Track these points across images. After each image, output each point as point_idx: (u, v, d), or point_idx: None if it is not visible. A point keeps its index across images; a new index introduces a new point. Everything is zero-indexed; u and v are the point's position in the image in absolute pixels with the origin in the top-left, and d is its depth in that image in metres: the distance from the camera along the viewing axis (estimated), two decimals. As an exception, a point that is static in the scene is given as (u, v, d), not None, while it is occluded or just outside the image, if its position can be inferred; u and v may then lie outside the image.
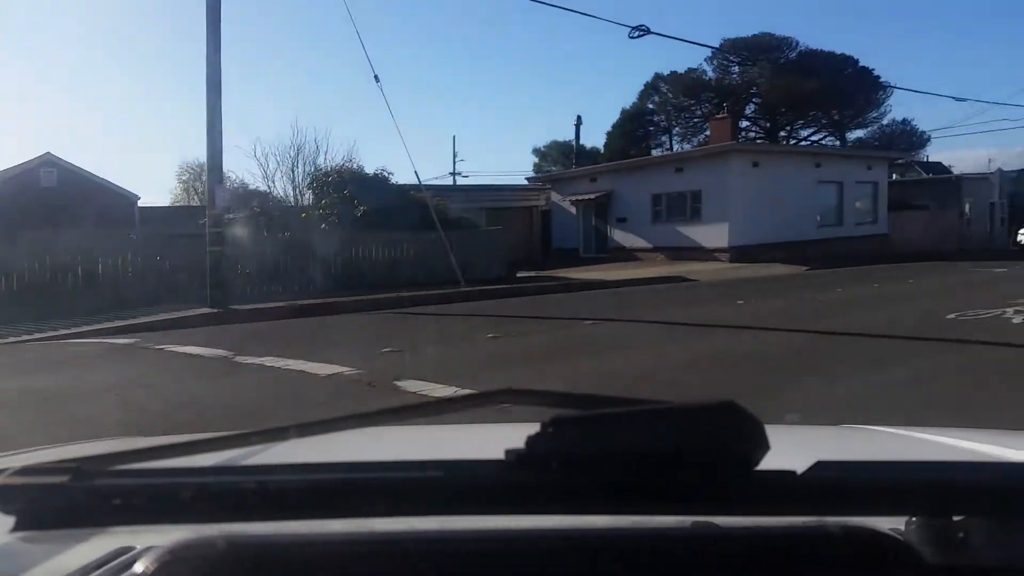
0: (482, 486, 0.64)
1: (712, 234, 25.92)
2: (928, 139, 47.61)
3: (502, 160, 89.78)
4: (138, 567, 0.66)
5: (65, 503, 0.65)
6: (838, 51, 45.81)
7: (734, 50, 47.35)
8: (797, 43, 46.60)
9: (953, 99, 32.02)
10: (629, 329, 10.19)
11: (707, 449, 0.61)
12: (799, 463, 0.63)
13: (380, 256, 18.26)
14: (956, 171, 40.04)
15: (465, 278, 17.54)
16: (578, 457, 0.60)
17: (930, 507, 0.65)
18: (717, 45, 46.67)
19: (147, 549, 0.69)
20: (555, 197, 31.84)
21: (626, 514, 0.64)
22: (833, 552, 0.63)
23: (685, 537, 0.66)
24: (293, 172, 28.44)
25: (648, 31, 20.05)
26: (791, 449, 1.16)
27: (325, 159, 27.31)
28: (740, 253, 25.38)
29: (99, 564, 0.73)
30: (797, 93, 43.94)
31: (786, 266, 24.11)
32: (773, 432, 0.62)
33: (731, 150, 25.98)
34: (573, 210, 30.62)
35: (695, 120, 49.74)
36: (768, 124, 48.92)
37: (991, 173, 33.82)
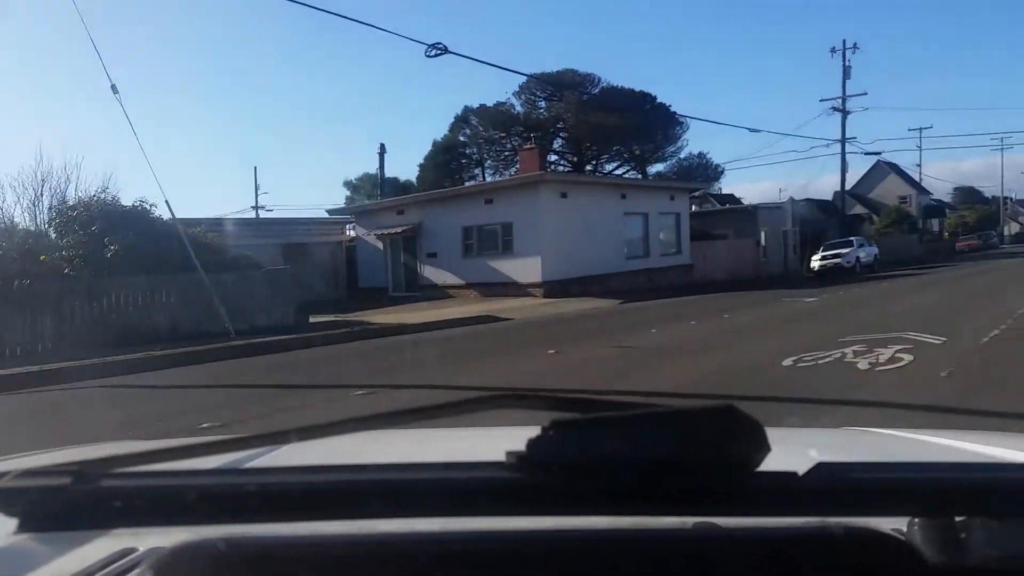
0: (483, 488, 0.64)
1: (525, 268, 24.53)
2: (722, 171, 49.63)
3: (313, 194, 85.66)
4: (140, 569, 0.69)
5: (67, 505, 0.66)
6: (637, 88, 47.11)
7: (540, 85, 47.53)
8: (599, 79, 47.38)
9: (748, 130, 32.83)
10: (411, 401, 8.04)
11: (708, 451, 0.60)
12: (800, 465, 0.63)
13: (133, 304, 15.08)
14: (746, 202, 41.69)
15: (244, 326, 14.80)
16: (579, 460, 0.60)
17: (931, 508, 0.65)
18: (523, 81, 46.74)
19: (149, 551, 0.72)
20: (360, 231, 29.36)
21: (626, 516, 0.64)
22: (835, 553, 0.63)
23: (686, 539, 0.66)
24: (35, 207, 23.91)
25: (446, 50, 18.50)
26: (792, 451, 1.20)
27: (75, 191, 23.13)
28: (553, 288, 24.14)
29: (102, 566, 0.73)
30: (601, 128, 44.42)
31: (599, 300, 23.11)
32: (774, 434, 0.62)
33: (540, 180, 24.75)
34: (380, 245, 28.30)
35: (506, 153, 49.25)
36: (575, 158, 49.20)
37: (784, 202, 35.22)
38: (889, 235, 51.57)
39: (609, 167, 49.26)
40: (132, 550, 0.75)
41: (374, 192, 43.21)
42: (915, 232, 54.23)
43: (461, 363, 10.36)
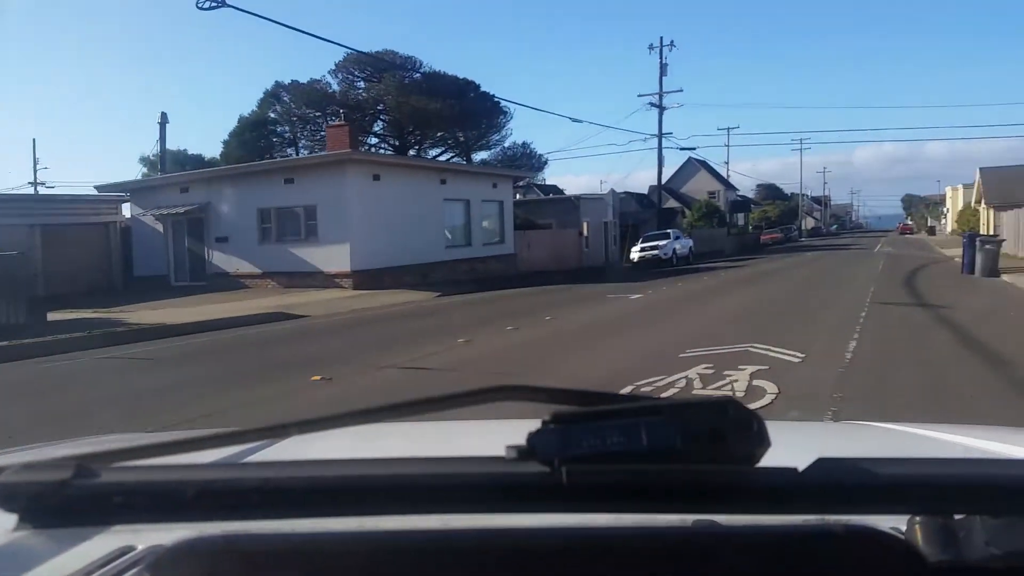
0: (483, 483, 0.63)
1: (332, 256, 21.55)
2: (546, 162, 48.75)
3: (105, 170, 76.80)
4: (140, 566, 0.67)
5: (67, 501, 0.65)
6: (462, 75, 45.13)
7: (358, 64, 44.39)
8: (421, 63, 44.89)
9: (570, 119, 31.47)
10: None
11: (708, 446, 0.59)
12: (800, 460, 0.63)
13: None
14: (569, 194, 40.67)
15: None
16: (579, 454, 0.60)
17: (932, 505, 0.64)
18: (340, 59, 43.50)
19: (148, 548, 0.71)
20: (135, 211, 25.01)
21: (627, 512, 0.63)
22: (834, 551, 0.61)
23: (686, 536, 0.65)
24: None
25: (223, 3, 15.35)
26: (792, 446, 1.17)
27: None
28: (364, 278, 21.37)
29: (101, 564, 0.72)
30: (423, 112, 42.09)
31: (415, 292, 20.65)
32: (774, 429, 0.61)
33: (348, 159, 21.77)
34: (160, 227, 24.20)
35: (322, 133, 45.50)
36: (397, 143, 46.43)
37: (605, 194, 34.31)
38: (700, 228, 52.81)
39: (433, 153, 46.92)
40: (131, 548, 0.74)
41: (176, 168, 38.03)
42: (724, 226, 56.00)
43: (202, 392, 7.46)
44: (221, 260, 23.47)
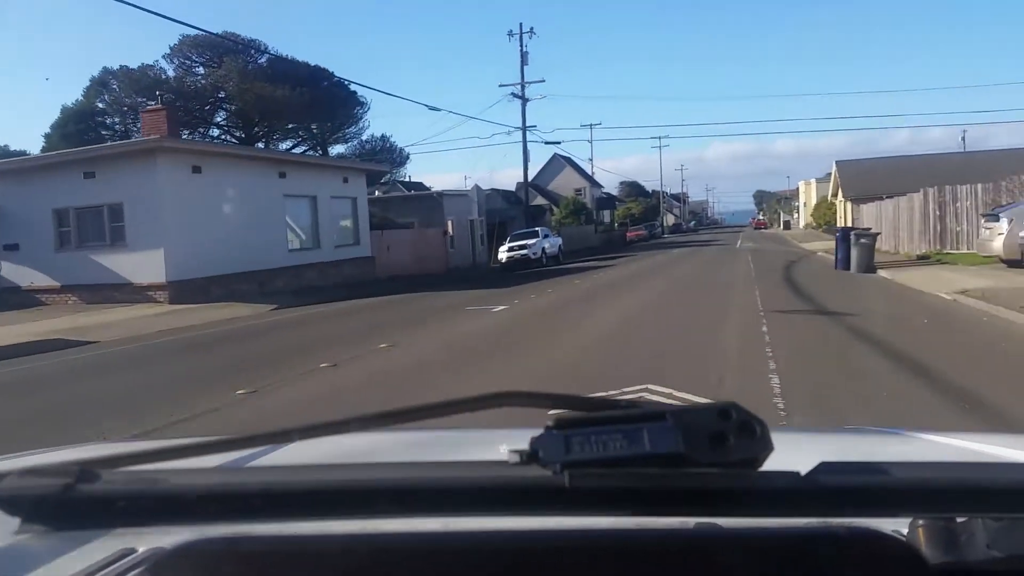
0: (485, 487, 0.63)
1: (143, 265, 18.05)
2: (408, 156, 45.98)
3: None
4: (141, 569, 0.65)
5: (70, 505, 0.64)
6: (313, 62, 41.71)
7: (196, 48, 40.08)
8: (266, 47, 41.00)
9: (427, 107, 28.90)
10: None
11: (710, 450, 0.59)
12: (802, 464, 0.62)
13: None
14: (434, 190, 37.97)
15: None
16: (581, 458, 0.59)
17: (933, 507, 0.64)
18: (175, 42, 39.14)
19: (150, 551, 0.69)
20: None
21: (630, 515, 0.63)
22: (836, 553, 0.62)
23: (688, 538, 0.66)
24: None
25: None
26: (794, 450, 1.10)
27: None
28: (184, 290, 18.01)
29: (102, 566, 0.71)
30: (269, 101, 38.37)
31: (246, 306, 17.49)
32: (777, 433, 0.61)
33: (158, 148, 18.19)
34: (-72, 234, 19.78)
35: (159, 125, 40.82)
36: (242, 135, 42.30)
37: (469, 190, 31.90)
38: (569, 226, 51.59)
39: (285, 147, 43.08)
40: (132, 550, 0.73)
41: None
42: (591, 223, 55.09)
43: None
44: (11, 272, 19.42)
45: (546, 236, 32.35)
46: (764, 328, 9.12)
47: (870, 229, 20.69)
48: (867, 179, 36.71)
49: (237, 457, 1.07)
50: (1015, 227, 15.30)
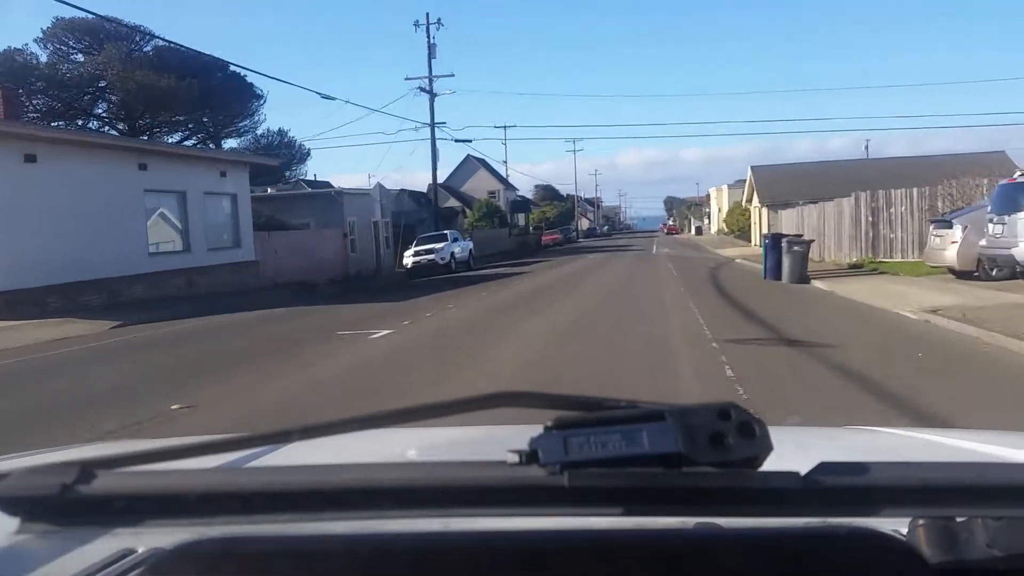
0: (485, 487, 0.62)
1: (-45, 272, 14.50)
2: (308, 153, 42.38)
3: None
4: (141, 569, 0.65)
5: (70, 505, 0.64)
6: (205, 51, 37.78)
7: (72, 32, 35.75)
8: (152, 34, 36.88)
9: (320, 96, 25.65)
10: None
11: (710, 450, 0.59)
12: (802, 464, 0.62)
13: None
14: (335, 188, 34.53)
15: None
16: (581, 458, 0.59)
17: (933, 507, 0.63)
18: (49, 25, 34.79)
19: (149, 551, 0.69)
20: None
21: (629, 515, 0.62)
22: (836, 553, 0.61)
23: (688, 538, 0.65)
24: None
25: None
26: (794, 450, 1.15)
27: None
28: (12, 302, 14.57)
29: (102, 566, 0.70)
30: (154, 91, 34.45)
31: (85, 323, 14.20)
32: (776, 433, 0.61)
33: (-27, 130, 14.71)
34: None
35: (32, 115, 36.11)
36: (125, 127, 37.99)
37: (371, 189, 28.75)
38: (482, 229, 49.12)
39: (173, 140, 38.95)
40: (132, 550, 0.72)
41: None
42: (505, 226, 52.72)
43: None
44: None
45: (455, 240, 29.69)
46: (729, 372, 6.70)
47: (802, 236, 18.86)
48: (783, 185, 35.57)
49: (237, 457, 1.04)
50: (970, 234, 13.54)
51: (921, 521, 0.64)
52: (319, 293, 20.44)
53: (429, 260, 27.46)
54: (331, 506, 0.63)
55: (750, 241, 40.66)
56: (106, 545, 0.73)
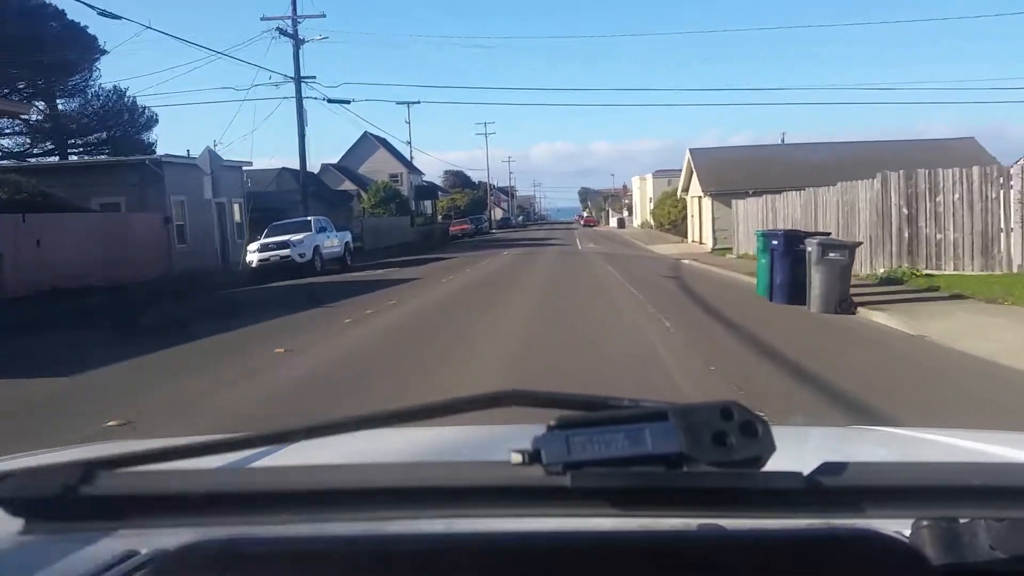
0: (487, 487, 0.61)
1: None
2: (155, 118, 33.21)
3: None
4: (144, 571, 0.64)
5: (73, 505, 0.63)
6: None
7: None
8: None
9: (99, 12, 16.71)
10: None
11: (712, 450, 0.57)
12: (805, 464, 0.60)
13: None
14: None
15: None
16: (583, 458, 0.58)
17: (936, 508, 0.62)
18: None
19: (153, 552, 0.68)
20: None
21: (632, 516, 0.61)
22: (839, 554, 0.61)
23: (691, 539, 0.64)
24: None
25: None
26: (797, 450, 1.09)
27: None
28: None
29: (106, 567, 0.69)
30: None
31: None
32: (779, 433, 0.60)
33: None
34: None
35: None
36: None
37: (198, 157, 20.07)
38: (379, 216, 41.17)
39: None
40: (135, 551, 0.71)
41: None
42: (407, 213, 44.71)
43: None
44: None
45: (323, 230, 21.63)
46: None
47: (830, 234, 11.99)
48: (730, 171, 29.12)
49: (239, 458, 1.02)
50: None
51: (924, 522, 0.63)
52: (98, 305, 12.43)
53: (281, 257, 19.44)
54: (333, 507, 0.61)
55: (685, 236, 34.18)
56: (109, 546, 0.72)
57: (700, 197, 31.29)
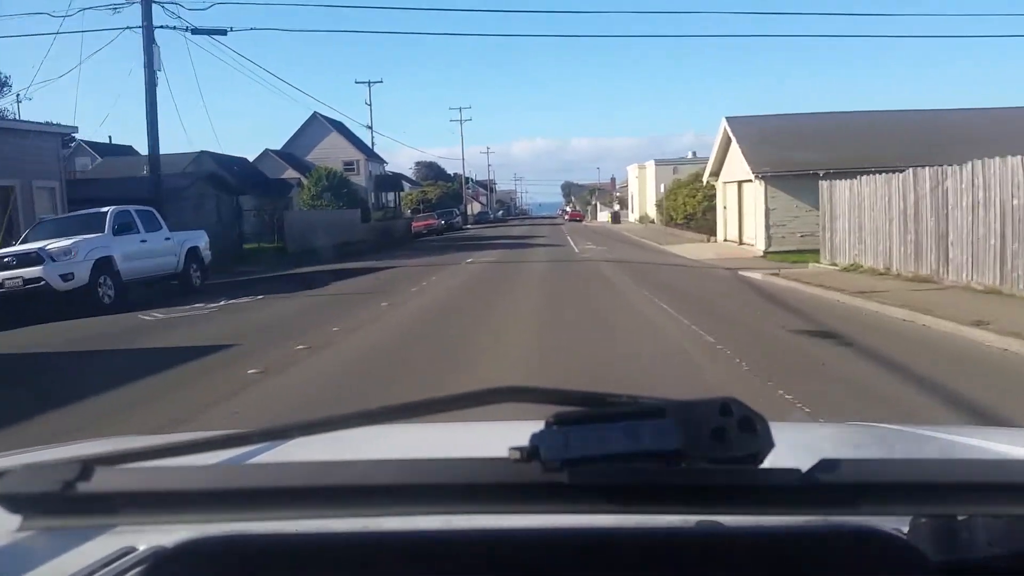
0: (486, 484, 0.60)
1: None
2: (7, 82, 23.60)
3: None
4: (142, 567, 0.64)
5: (70, 502, 0.62)
6: None
7: None
8: None
9: None
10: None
11: (711, 447, 0.56)
12: (803, 461, 0.59)
13: None
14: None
15: None
16: (582, 455, 0.56)
17: (934, 505, 0.61)
18: None
19: (150, 549, 0.68)
20: None
21: (630, 512, 0.59)
22: (837, 551, 0.60)
23: (690, 536, 0.63)
24: None
25: None
26: (795, 447, 1.11)
27: None
28: None
29: (102, 564, 0.68)
30: None
31: None
32: (777, 429, 0.58)
33: None
34: None
35: None
36: None
37: None
38: (320, 209, 31.74)
39: None
40: (133, 548, 0.70)
41: None
42: (357, 206, 35.05)
43: None
44: None
45: (127, 230, 12.18)
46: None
47: None
48: (788, 146, 20.16)
49: (237, 454, 1.02)
50: None
51: (922, 519, 0.62)
52: None
53: (25, 281, 10.01)
54: (331, 503, 0.60)
55: (711, 234, 25.04)
56: (107, 543, 0.71)
57: (742, 182, 22.17)
